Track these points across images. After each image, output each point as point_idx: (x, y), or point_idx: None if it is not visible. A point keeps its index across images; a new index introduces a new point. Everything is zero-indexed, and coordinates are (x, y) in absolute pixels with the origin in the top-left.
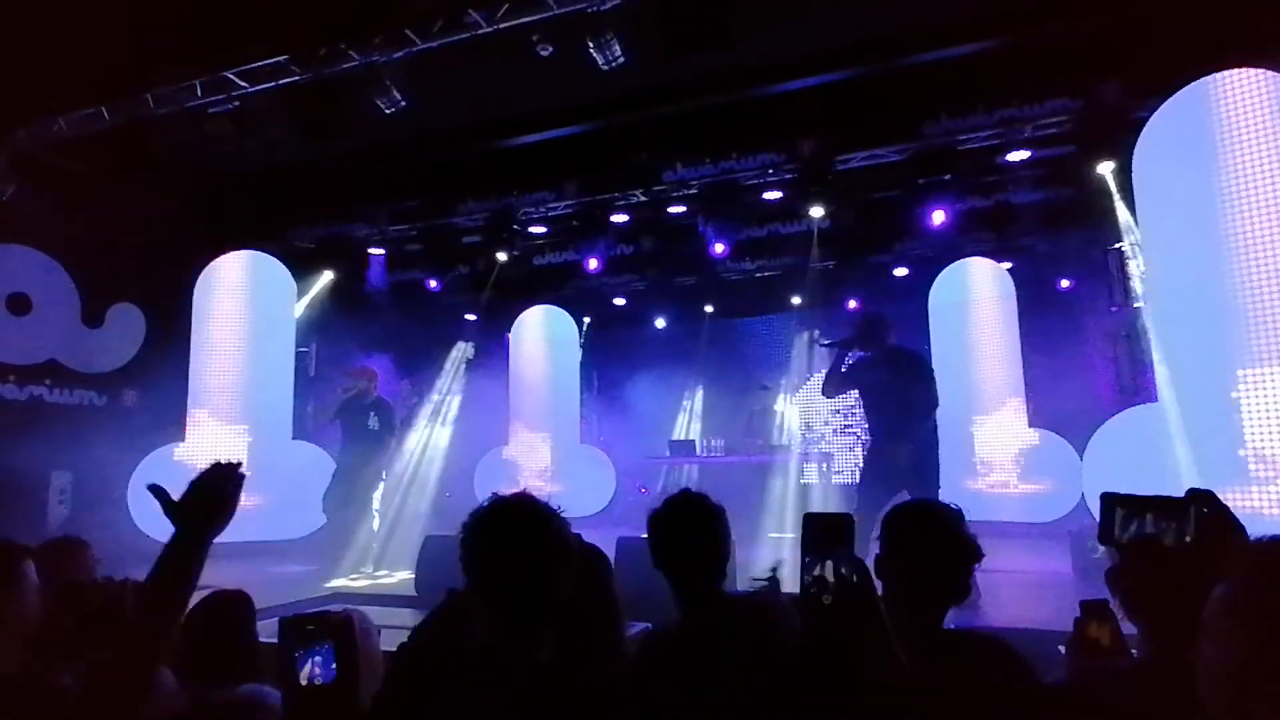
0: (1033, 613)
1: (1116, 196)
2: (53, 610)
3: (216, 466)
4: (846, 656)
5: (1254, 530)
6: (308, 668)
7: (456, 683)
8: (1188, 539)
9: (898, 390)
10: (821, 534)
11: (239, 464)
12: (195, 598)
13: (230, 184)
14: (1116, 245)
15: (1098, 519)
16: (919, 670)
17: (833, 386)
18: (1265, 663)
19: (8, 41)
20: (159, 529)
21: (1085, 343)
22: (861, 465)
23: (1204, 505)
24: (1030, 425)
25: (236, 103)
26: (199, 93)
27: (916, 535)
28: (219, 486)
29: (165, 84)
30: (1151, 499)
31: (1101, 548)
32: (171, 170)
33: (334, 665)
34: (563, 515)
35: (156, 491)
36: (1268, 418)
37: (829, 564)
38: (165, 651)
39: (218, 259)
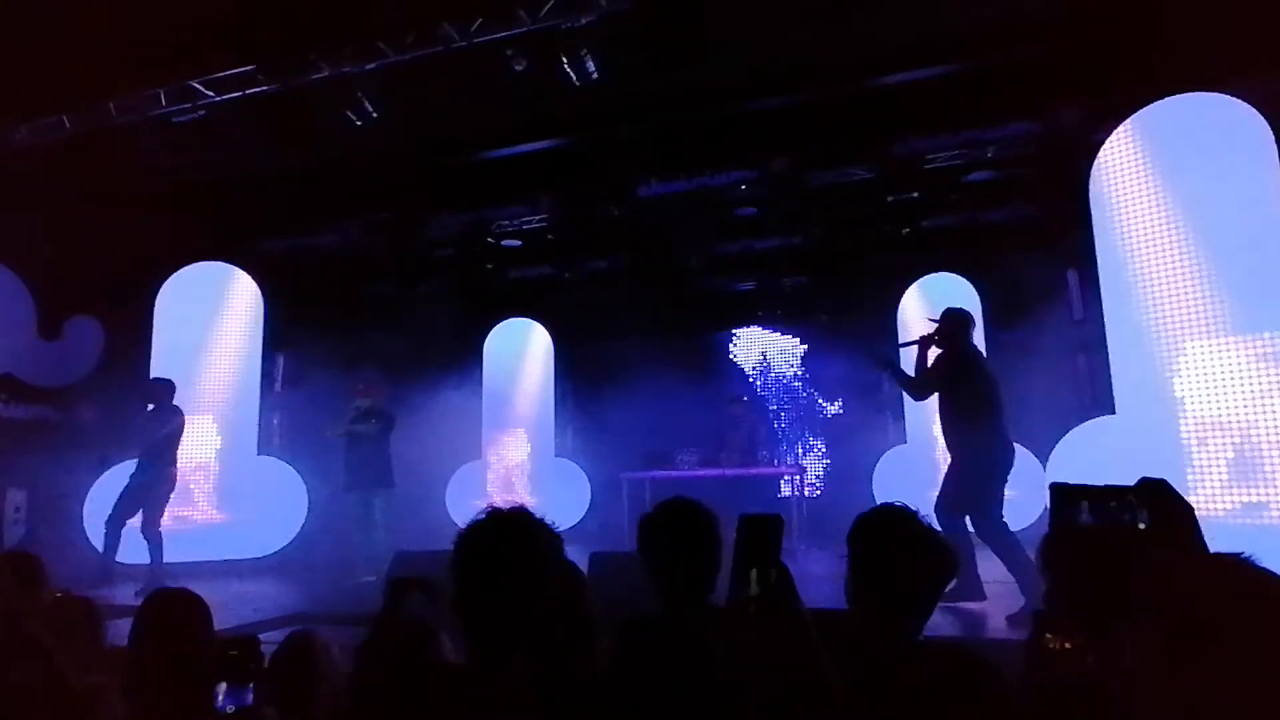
0: (993, 622)
1: (1078, 215)
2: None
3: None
4: (767, 672)
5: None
6: (221, 696)
7: (434, 703)
8: (1141, 526)
9: (963, 394)
10: (752, 539)
11: None
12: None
13: (194, 194)
14: (1078, 263)
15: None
16: (888, 684)
17: (920, 389)
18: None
19: None
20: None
21: (1049, 356)
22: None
23: (1154, 492)
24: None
25: (202, 111)
26: (163, 101)
27: (882, 543)
28: None
29: (129, 92)
30: (1103, 488)
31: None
32: (134, 179)
33: (249, 693)
34: (556, 530)
35: None
36: (1207, 429)
37: (754, 574)
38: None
39: (180, 270)
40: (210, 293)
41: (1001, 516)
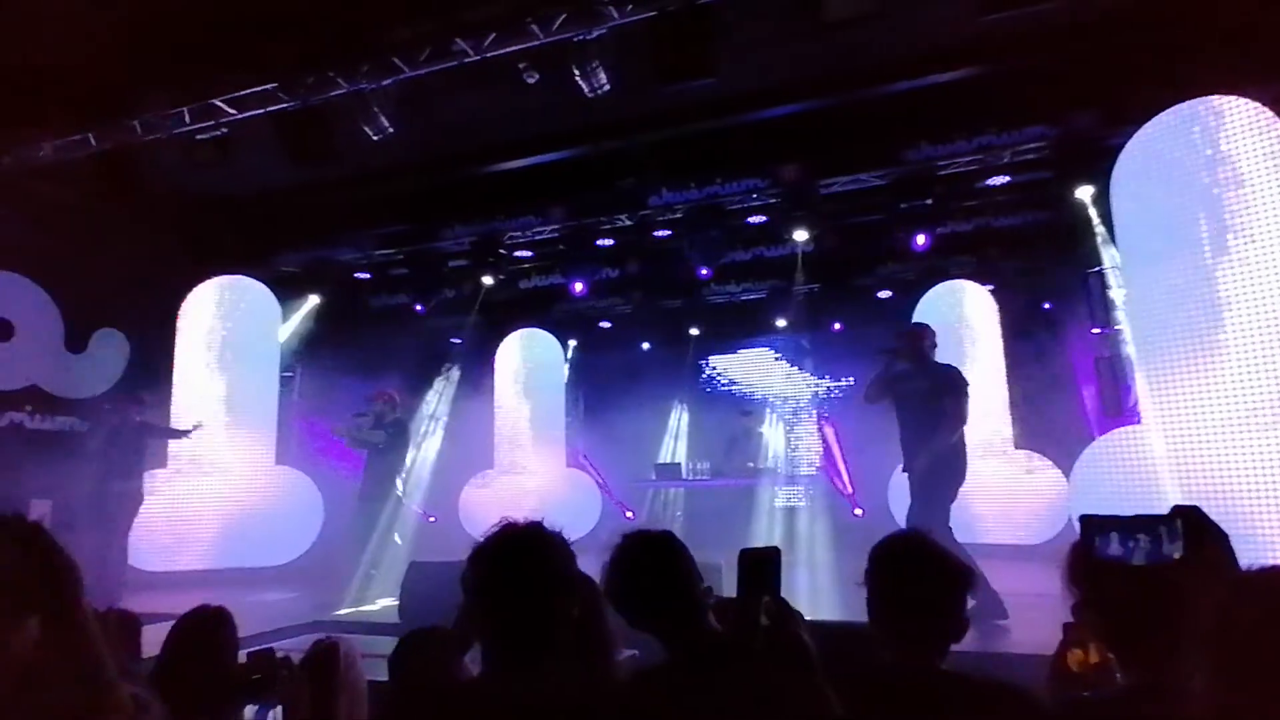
0: (1021, 636)
1: (1095, 220)
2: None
3: (9, 527)
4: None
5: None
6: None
7: (452, 716)
8: (1175, 556)
9: (928, 404)
10: (751, 572)
11: (19, 515)
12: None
13: (216, 209)
14: (1096, 268)
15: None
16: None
17: (874, 391)
18: (1246, 696)
19: None
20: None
21: (1069, 364)
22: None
23: (1187, 522)
24: (1016, 447)
25: (224, 129)
26: (186, 119)
27: (901, 570)
28: (31, 548)
29: (153, 110)
30: (1134, 519)
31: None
32: (157, 195)
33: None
34: (569, 543)
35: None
36: (1248, 440)
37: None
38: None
39: (202, 284)
40: (231, 305)
41: (949, 525)
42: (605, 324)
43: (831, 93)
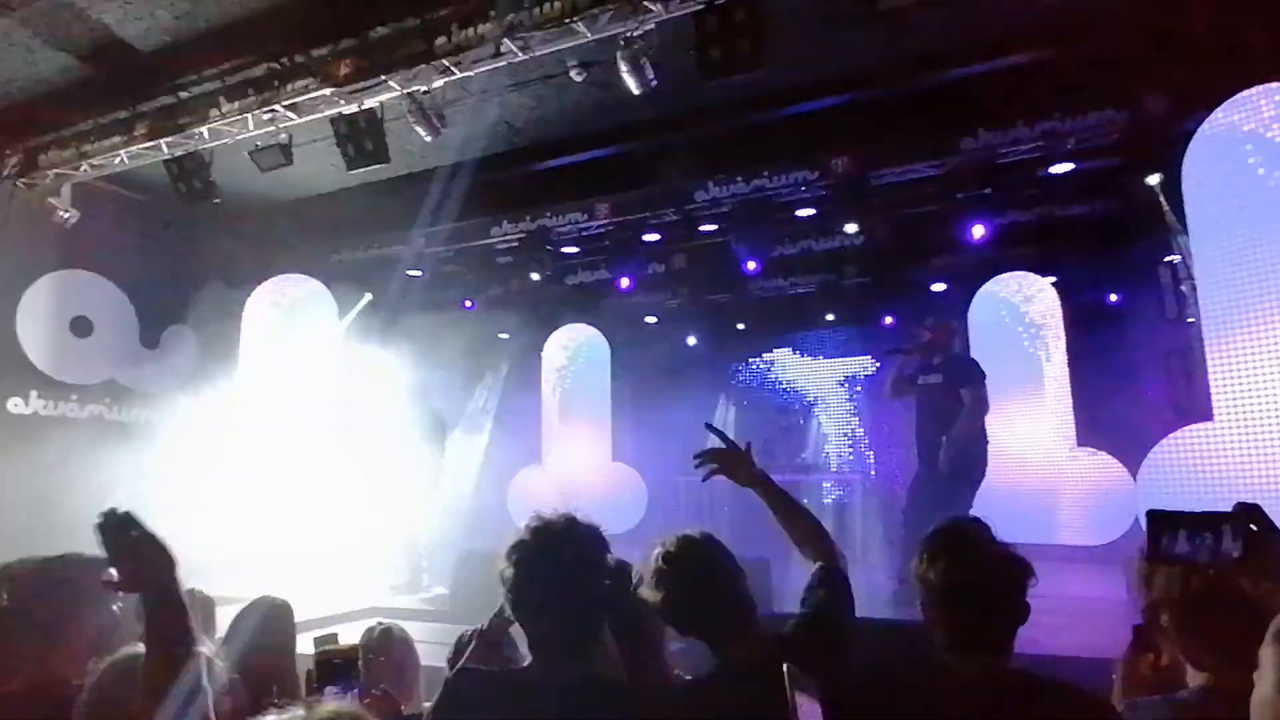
0: (1084, 640)
1: (1166, 209)
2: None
3: (104, 525)
4: None
5: None
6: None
7: (505, 705)
8: (1235, 555)
9: (947, 396)
10: None
11: (114, 510)
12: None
13: (277, 211)
14: (1168, 258)
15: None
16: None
17: (896, 387)
18: None
19: (74, 82)
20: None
21: (1136, 359)
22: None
23: (1251, 521)
24: (1079, 444)
25: (285, 134)
26: (250, 125)
27: (958, 561)
28: (128, 539)
29: (220, 118)
30: (1199, 515)
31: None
32: (223, 198)
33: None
34: (603, 533)
35: (108, 584)
36: None
37: None
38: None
39: (264, 282)
40: (291, 302)
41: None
42: (651, 319)
43: (884, 81)
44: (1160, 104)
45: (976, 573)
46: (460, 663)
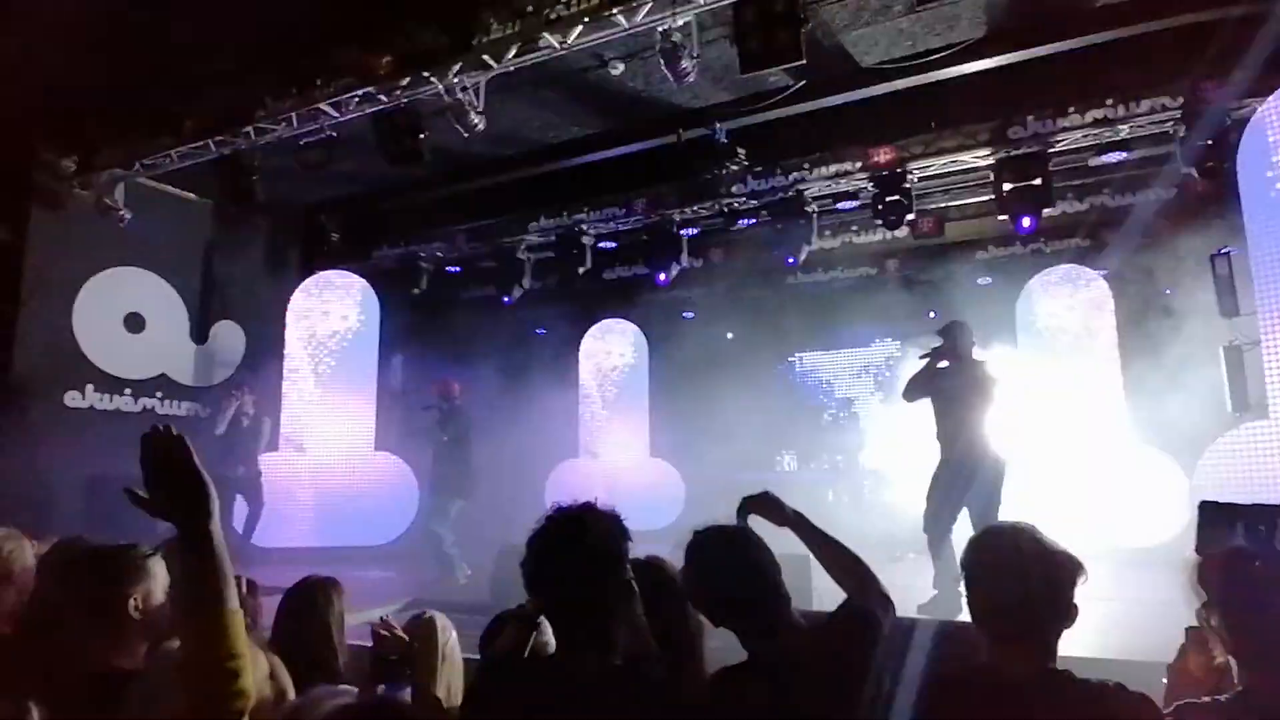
0: (1135, 641)
1: (1222, 198)
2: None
3: (148, 440)
4: None
5: None
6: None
7: (531, 693)
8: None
9: (966, 399)
10: None
11: (168, 427)
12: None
13: (322, 208)
14: (1224, 250)
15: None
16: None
17: (913, 390)
18: None
19: (128, 85)
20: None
21: (1191, 354)
22: (934, 472)
23: None
24: (1133, 443)
25: (328, 132)
26: (294, 124)
27: (1002, 562)
28: (166, 459)
29: (265, 117)
30: (1250, 507)
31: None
32: (269, 197)
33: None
34: (622, 522)
35: (131, 496)
36: None
37: None
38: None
39: (309, 279)
40: (334, 299)
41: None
42: (689, 314)
43: (928, 70)
44: (1216, 91)
45: (1024, 573)
46: (490, 651)
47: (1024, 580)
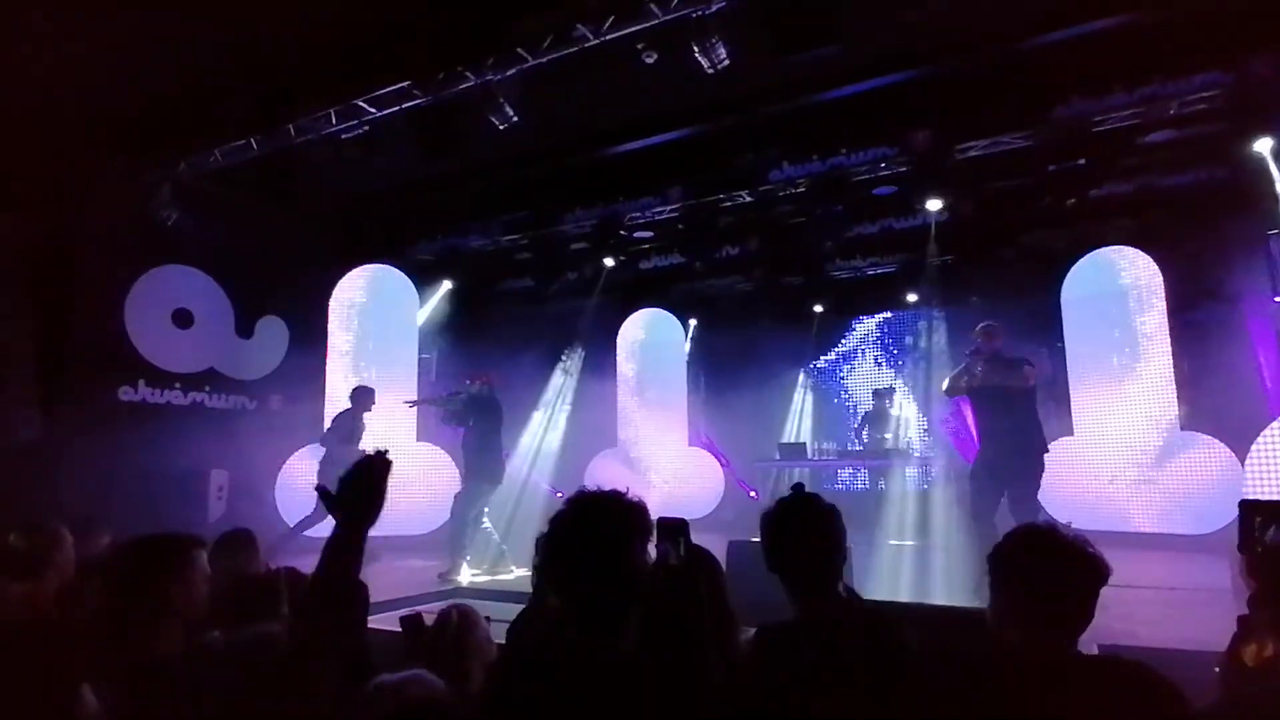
0: (1185, 632)
1: (1276, 176)
2: (221, 594)
3: (368, 460)
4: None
5: None
6: None
7: (548, 680)
8: None
9: (1004, 394)
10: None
11: (386, 452)
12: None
13: (361, 203)
14: (1278, 230)
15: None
16: (1049, 702)
17: (953, 385)
18: None
19: (171, 87)
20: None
21: (1245, 338)
22: (971, 469)
23: None
24: (1183, 429)
25: (366, 127)
26: (333, 120)
27: (1031, 564)
28: (370, 478)
29: (304, 114)
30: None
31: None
32: (310, 193)
33: None
34: (641, 508)
35: (322, 492)
36: None
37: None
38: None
39: (350, 273)
40: (374, 292)
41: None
42: (726, 303)
43: (969, 50)
44: (1268, 64)
45: (1057, 574)
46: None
47: (1059, 579)
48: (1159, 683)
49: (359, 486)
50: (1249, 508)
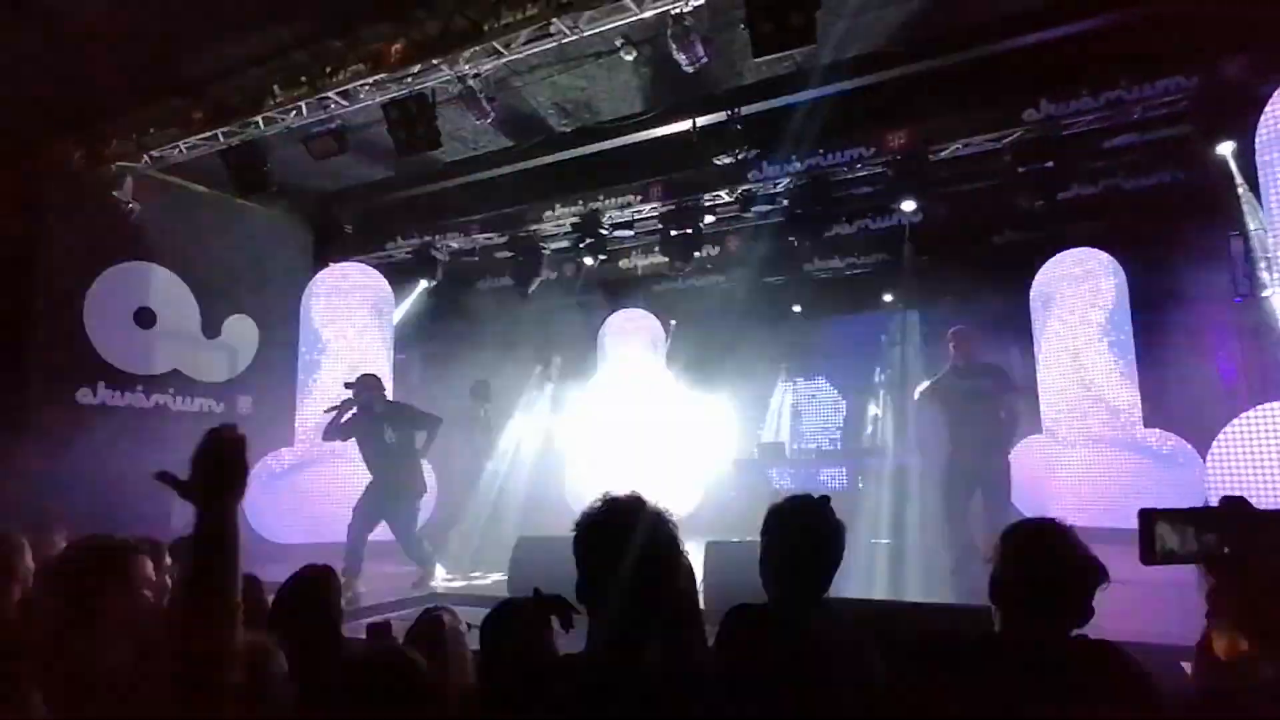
0: (1150, 626)
1: (1238, 179)
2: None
3: (214, 434)
4: None
5: None
6: None
7: (554, 692)
8: (1225, 550)
9: (973, 400)
10: None
11: (234, 426)
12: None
13: (332, 200)
14: (1238, 231)
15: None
16: (1034, 682)
17: (924, 401)
18: None
19: (135, 75)
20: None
21: (1205, 337)
22: (941, 472)
23: (1236, 513)
24: (1146, 425)
25: (338, 121)
26: (303, 112)
27: (1037, 555)
28: (221, 453)
29: (274, 106)
30: (1190, 511)
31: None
32: (280, 189)
33: None
34: (670, 517)
35: (164, 478)
36: None
37: None
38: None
39: (322, 271)
40: (347, 291)
41: None
42: (706, 303)
43: (942, 53)
44: (1233, 68)
45: (1056, 575)
46: (493, 643)
47: (1054, 582)
48: (1141, 670)
49: (216, 464)
50: (1149, 517)
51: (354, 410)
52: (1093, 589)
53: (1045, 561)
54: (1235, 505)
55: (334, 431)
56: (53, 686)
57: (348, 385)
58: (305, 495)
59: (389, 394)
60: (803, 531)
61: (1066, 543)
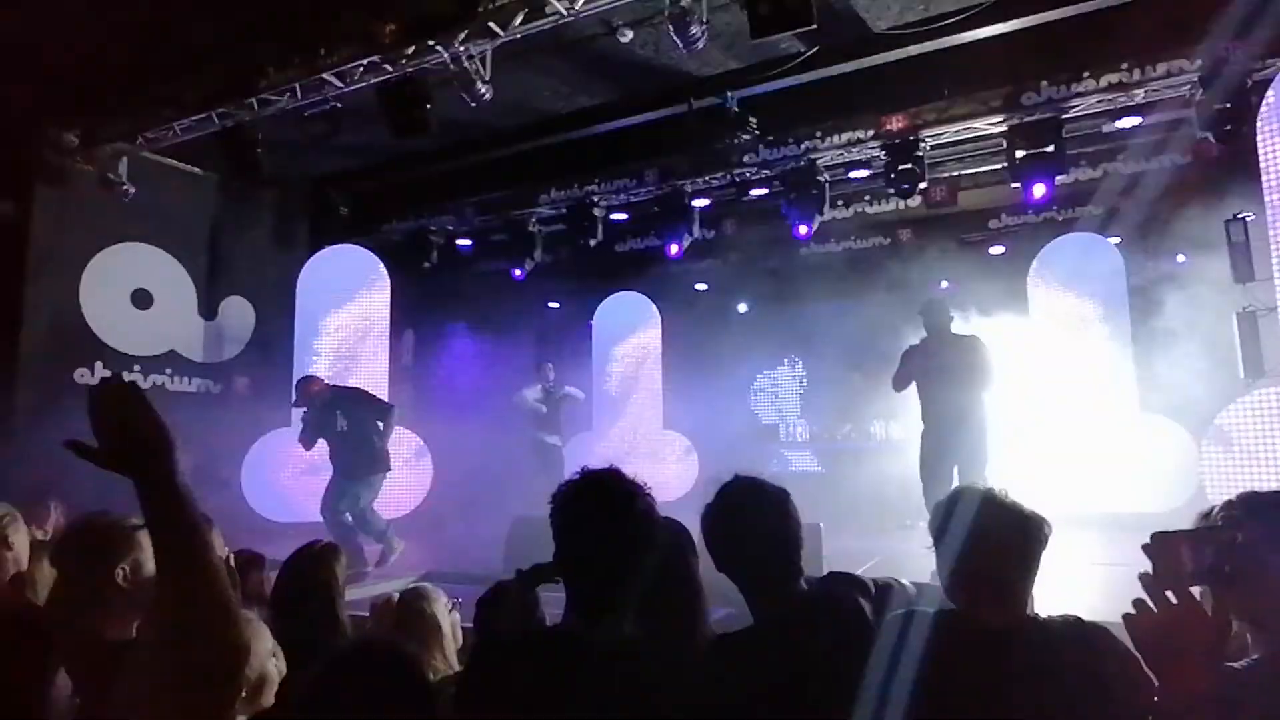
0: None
1: (1238, 163)
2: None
3: (97, 391)
4: None
5: None
6: None
7: (536, 665)
8: (1227, 569)
9: (948, 373)
10: None
11: (117, 374)
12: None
13: (328, 182)
14: (1238, 215)
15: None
16: (1001, 663)
17: (898, 382)
18: None
19: (128, 55)
20: (269, 507)
21: (1203, 321)
22: (920, 449)
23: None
24: (1143, 410)
25: (332, 103)
26: (299, 94)
27: (966, 519)
28: (115, 409)
29: (268, 88)
30: (1191, 533)
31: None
32: (276, 171)
33: None
34: (649, 491)
35: (76, 448)
36: None
37: None
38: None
39: (318, 253)
40: (343, 273)
41: None
42: (701, 286)
43: (941, 35)
44: (1236, 50)
45: (994, 532)
46: (485, 624)
47: (994, 539)
48: (1121, 647)
49: (112, 428)
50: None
51: (305, 415)
52: (1039, 543)
53: (984, 530)
54: (1241, 505)
55: (302, 441)
56: (68, 659)
57: (294, 405)
58: (304, 474)
59: (371, 386)
60: (743, 521)
61: (1000, 506)
